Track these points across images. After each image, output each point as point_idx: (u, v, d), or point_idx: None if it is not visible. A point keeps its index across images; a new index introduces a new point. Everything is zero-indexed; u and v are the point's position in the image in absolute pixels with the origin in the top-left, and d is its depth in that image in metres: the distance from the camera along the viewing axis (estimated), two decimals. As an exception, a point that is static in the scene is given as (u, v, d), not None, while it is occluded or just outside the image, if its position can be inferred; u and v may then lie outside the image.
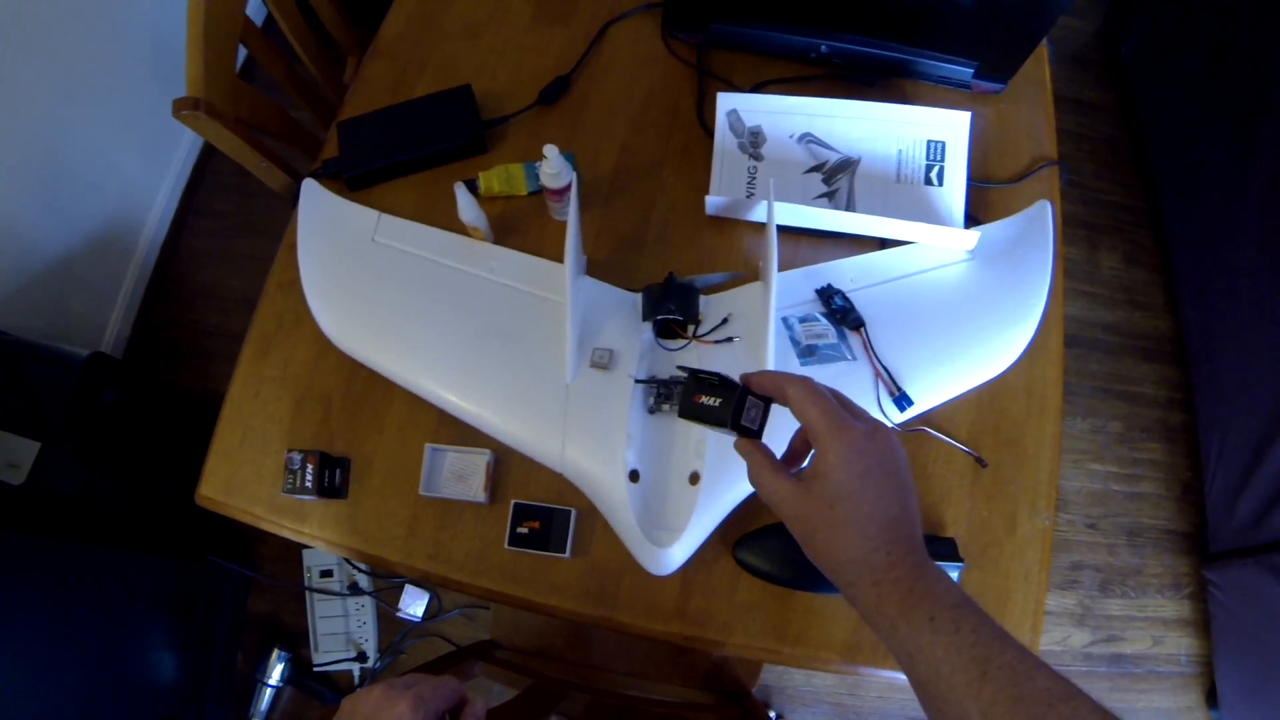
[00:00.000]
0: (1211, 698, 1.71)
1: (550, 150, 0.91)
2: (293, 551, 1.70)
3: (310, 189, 1.05)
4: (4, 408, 1.31)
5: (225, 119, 1.07)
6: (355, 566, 1.67)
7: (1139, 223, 2.05)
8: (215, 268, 1.98)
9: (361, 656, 1.65)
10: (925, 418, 0.95)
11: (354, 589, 1.66)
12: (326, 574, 1.66)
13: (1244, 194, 1.67)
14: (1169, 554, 1.80)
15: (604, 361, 0.90)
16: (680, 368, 0.64)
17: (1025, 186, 1.08)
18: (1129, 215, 2.05)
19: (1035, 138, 1.12)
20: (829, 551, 0.54)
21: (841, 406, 0.57)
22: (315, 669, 1.65)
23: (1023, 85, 1.13)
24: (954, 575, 0.86)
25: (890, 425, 0.92)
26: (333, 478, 0.92)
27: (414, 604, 1.66)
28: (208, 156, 2.06)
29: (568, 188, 0.95)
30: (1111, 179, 2.09)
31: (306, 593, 1.66)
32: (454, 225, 1.01)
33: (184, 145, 2.02)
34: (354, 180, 1.06)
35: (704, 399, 0.61)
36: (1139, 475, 1.85)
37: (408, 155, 1.05)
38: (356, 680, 1.67)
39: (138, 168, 1.89)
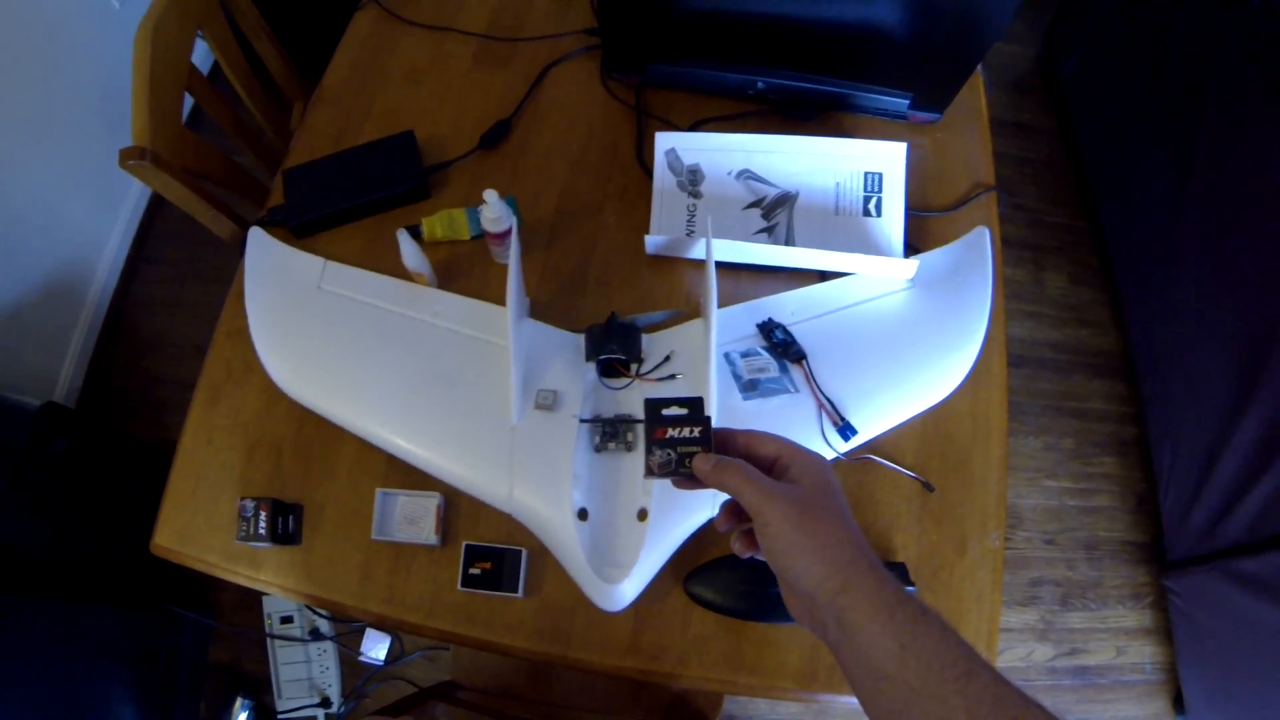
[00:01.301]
0: (1178, 703, 1.73)
1: (490, 195, 0.92)
2: (252, 598, 1.68)
3: (256, 237, 1.05)
4: (-48, 462, 1.29)
5: (172, 168, 1.08)
6: (315, 612, 1.65)
7: (1082, 242, 2.10)
8: (167, 315, 1.97)
9: (325, 702, 1.63)
10: (871, 445, 0.96)
11: (315, 634, 1.63)
12: (287, 620, 1.64)
13: (1183, 211, 1.72)
14: (1127, 565, 1.83)
15: (548, 403, 0.91)
16: (648, 400, 0.62)
17: (964, 213, 1.11)
18: (1072, 235, 2.10)
19: (972, 165, 1.15)
20: (800, 572, 0.53)
21: (759, 457, 0.58)
22: (279, 717, 1.62)
23: (959, 113, 1.16)
24: None
25: (836, 455, 0.94)
26: (286, 524, 0.92)
27: (376, 647, 1.65)
28: (157, 204, 2.05)
29: (508, 232, 0.96)
30: (1054, 200, 2.14)
31: (268, 639, 1.64)
32: (399, 271, 1.01)
33: (133, 193, 2.01)
34: (300, 228, 1.07)
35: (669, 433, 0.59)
36: (1094, 489, 1.88)
37: (352, 202, 1.06)
38: (319, 727, 1.64)
39: (87, 215, 1.88)
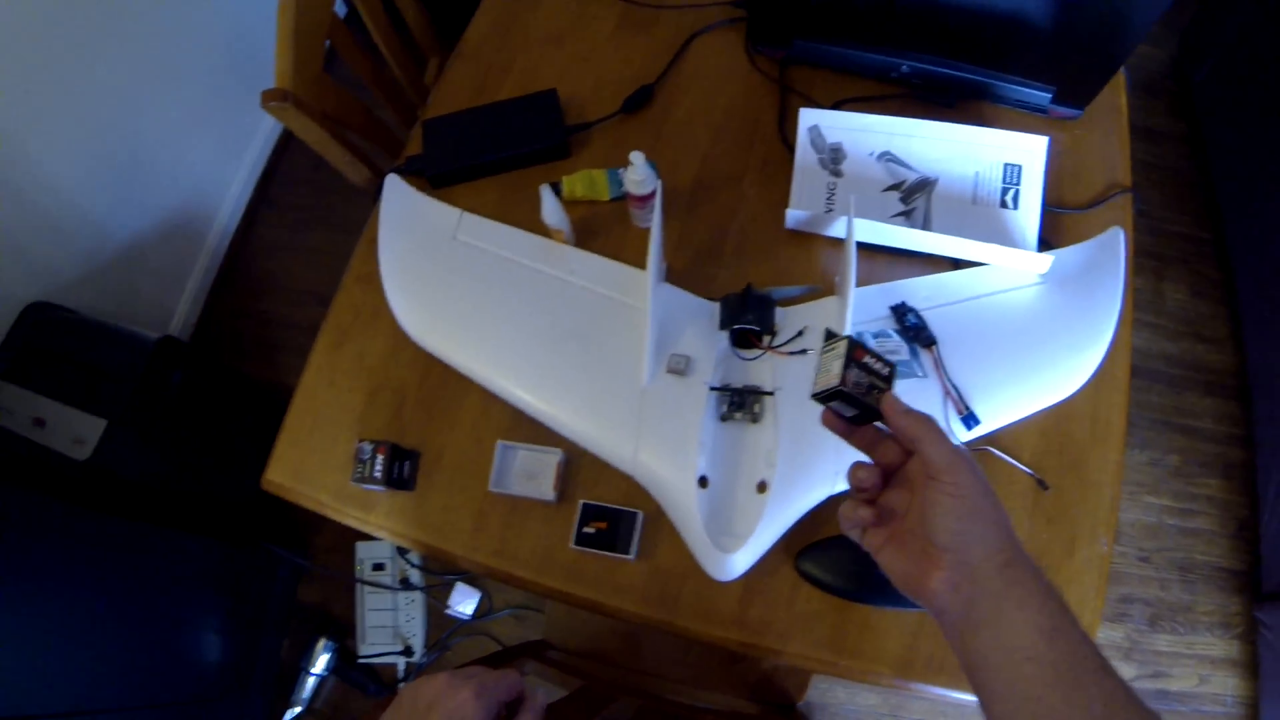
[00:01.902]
0: (1259, 742, 1.67)
1: (637, 157, 0.93)
2: (347, 543, 1.73)
3: (393, 184, 1.07)
4: (73, 384, 1.35)
5: (312, 112, 1.10)
6: (409, 561, 1.69)
7: (1205, 255, 2.02)
8: (285, 260, 2.03)
9: (408, 651, 1.67)
10: (991, 438, 0.95)
11: (405, 584, 1.68)
12: (379, 567, 1.69)
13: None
14: (1220, 592, 1.77)
15: (680, 367, 0.92)
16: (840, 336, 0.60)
17: (1098, 213, 1.08)
18: (1195, 247, 2.02)
19: (1109, 165, 1.12)
20: (976, 539, 0.53)
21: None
22: (360, 660, 1.68)
23: (1099, 111, 1.12)
24: None
25: (957, 444, 0.92)
26: (402, 469, 0.94)
27: (464, 602, 1.68)
28: (282, 149, 2.11)
29: (652, 195, 0.96)
30: (1179, 209, 2.06)
31: (357, 585, 1.69)
32: (535, 227, 1.03)
33: (259, 137, 2.07)
34: (437, 178, 1.09)
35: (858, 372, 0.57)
36: (1194, 510, 1.82)
37: (492, 156, 1.08)
38: (401, 674, 1.69)
39: (212, 157, 1.94)
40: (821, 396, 0.59)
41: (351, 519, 0.96)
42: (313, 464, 0.98)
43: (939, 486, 0.53)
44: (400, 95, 1.42)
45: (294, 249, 2.04)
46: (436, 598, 1.71)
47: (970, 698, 0.88)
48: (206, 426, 1.55)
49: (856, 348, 0.58)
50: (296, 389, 1.02)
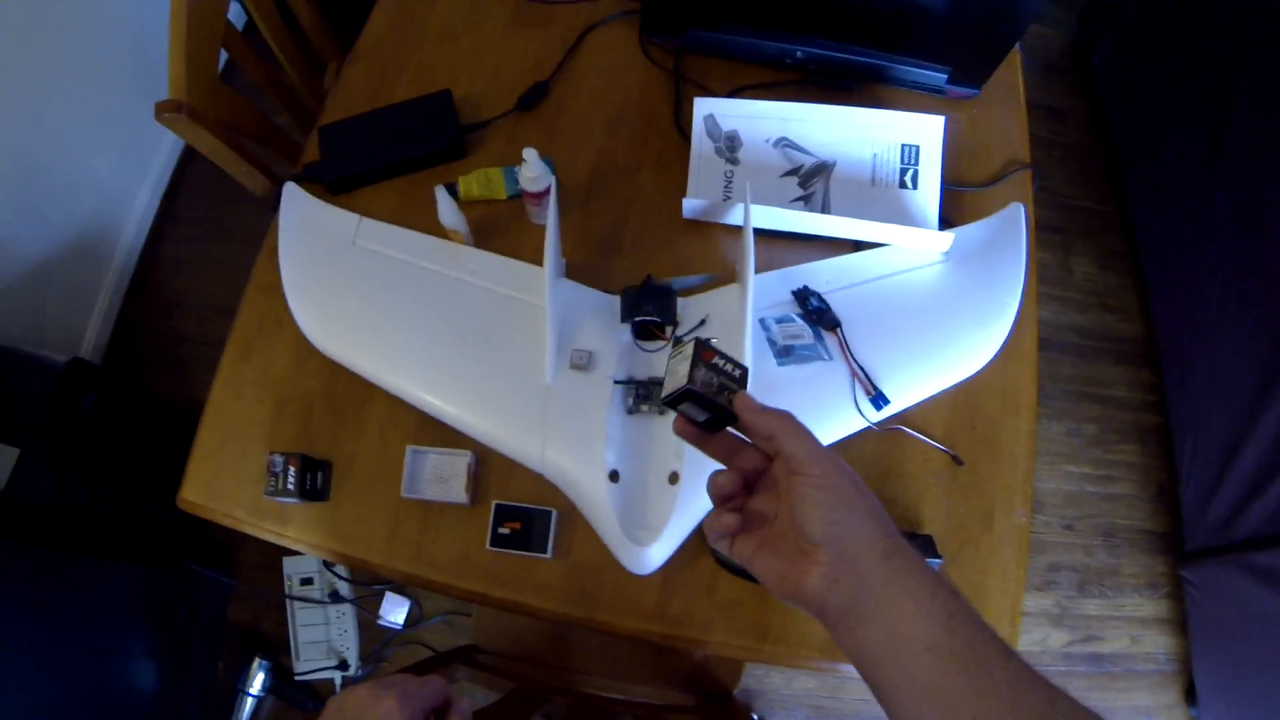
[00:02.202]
0: (1190, 695, 1.73)
1: (530, 154, 0.92)
2: (273, 560, 1.69)
3: (291, 193, 1.05)
4: (-20, 414, 1.30)
5: (206, 122, 1.07)
6: (336, 574, 1.66)
7: (1110, 228, 2.08)
8: (193, 274, 1.97)
9: (343, 665, 1.64)
10: (902, 417, 0.96)
11: (335, 597, 1.65)
12: (307, 582, 1.65)
13: (1213, 200, 1.70)
14: (1145, 554, 1.82)
15: (583, 363, 0.91)
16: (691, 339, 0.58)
17: (998, 190, 1.10)
18: (1100, 220, 2.07)
19: (1008, 142, 1.14)
20: (852, 530, 0.51)
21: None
22: (296, 678, 1.64)
23: (996, 90, 1.15)
24: None
25: (869, 424, 0.93)
26: (314, 480, 0.92)
27: (395, 611, 1.65)
28: (187, 162, 2.05)
29: (546, 191, 0.96)
30: (1083, 185, 2.12)
31: (287, 601, 1.65)
32: (434, 229, 1.01)
33: (163, 150, 2.01)
34: (335, 184, 1.07)
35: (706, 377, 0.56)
36: (1114, 477, 1.87)
37: (388, 159, 1.06)
38: (338, 689, 1.65)
39: (116, 172, 1.88)
40: (670, 399, 0.56)
41: (268, 534, 0.94)
42: (226, 480, 0.95)
43: (805, 480, 0.51)
44: (299, 101, 1.39)
45: (202, 263, 1.98)
46: (368, 609, 1.67)
47: (848, 668, 0.88)
48: (122, 449, 1.50)
49: (704, 349, 0.56)
50: (206, 404, 0.99)
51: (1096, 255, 2.05)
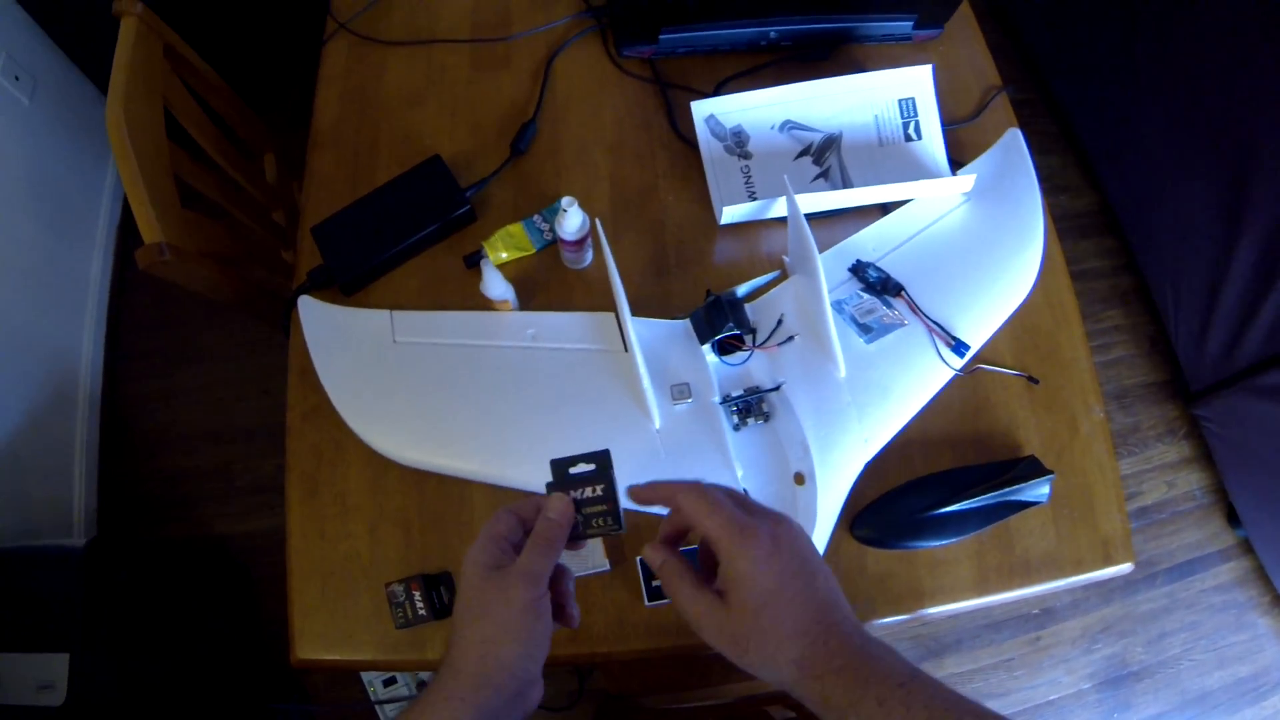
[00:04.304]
0: (1232, 518, 1.85)
1: (569, 201, 0.89)
2: (346, 672, 1.62)
3: (308, 306, 0.99)
4: (15, 627, 1.19)
5: (193, 258, 1.00)
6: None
7: (1037, 114, 2.15)
8: (163, 409, 1.85)
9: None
10: (978, 357, 0.98)
11: (421, 687, 1.59)
12: (390, 682, 1.59)
13: (1135, 59, 1.78)
14: (1156, 405, 1.93)
15: (683, 395, 0.89)
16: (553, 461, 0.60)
17: (986, 117, 1.14)
18: (1026, 109, 2.14)
19: (978, 70, 1.18)
20: (765, 660, 0.50)
21: (738, 506, 0.54)
22: (403, 770, 1.58)
23: (953, 24, 1.17)
24: (1045, 488, 0.90)
25: (956, 372, 0.95)
26: (440, 596, 0.87)
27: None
28: (117, 295, 1.92)
29: (586, 237, 0.93)
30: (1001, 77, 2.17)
31: (376, 708, 1.58)
32: (467, 303, 0.98)
33: (91, 290, 1.87)
34: (348, 285, 1.00)
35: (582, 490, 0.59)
36: (1109, 343, 1.97)
37: (400, 245, 1.00)
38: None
39: (53, 328, 1.74)
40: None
41: (410, 665, 0.89)
42: (341, 626, 0.88)
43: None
44: (249, 201, 1.30)
45: (168, 395, 1.86)
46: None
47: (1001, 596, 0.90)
48: (169, 613, 1.40)
49: (555, 491, 0.58)
50: (288, 555, 0.92)
51: (1034, 142, 2.07)
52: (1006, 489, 0.88)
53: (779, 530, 0.52)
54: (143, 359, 1.89)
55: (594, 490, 0.58)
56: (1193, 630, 1.80)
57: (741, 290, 0.97)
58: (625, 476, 0.87)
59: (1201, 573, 1.84)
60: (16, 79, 1.64)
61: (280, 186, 1.39)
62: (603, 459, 0.59)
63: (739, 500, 0.55)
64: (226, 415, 1.81)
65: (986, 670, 1.73)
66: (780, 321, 0.94)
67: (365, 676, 1.60)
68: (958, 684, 1.52)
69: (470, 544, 0.76)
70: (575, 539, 0.58)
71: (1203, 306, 1.73)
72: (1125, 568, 0.93)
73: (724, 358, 0.94)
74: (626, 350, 0.93)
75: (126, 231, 1.97)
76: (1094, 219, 2.07)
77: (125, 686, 1.24)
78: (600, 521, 0.58)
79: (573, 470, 0.59)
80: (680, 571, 0.55)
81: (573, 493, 0.58)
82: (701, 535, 0.54)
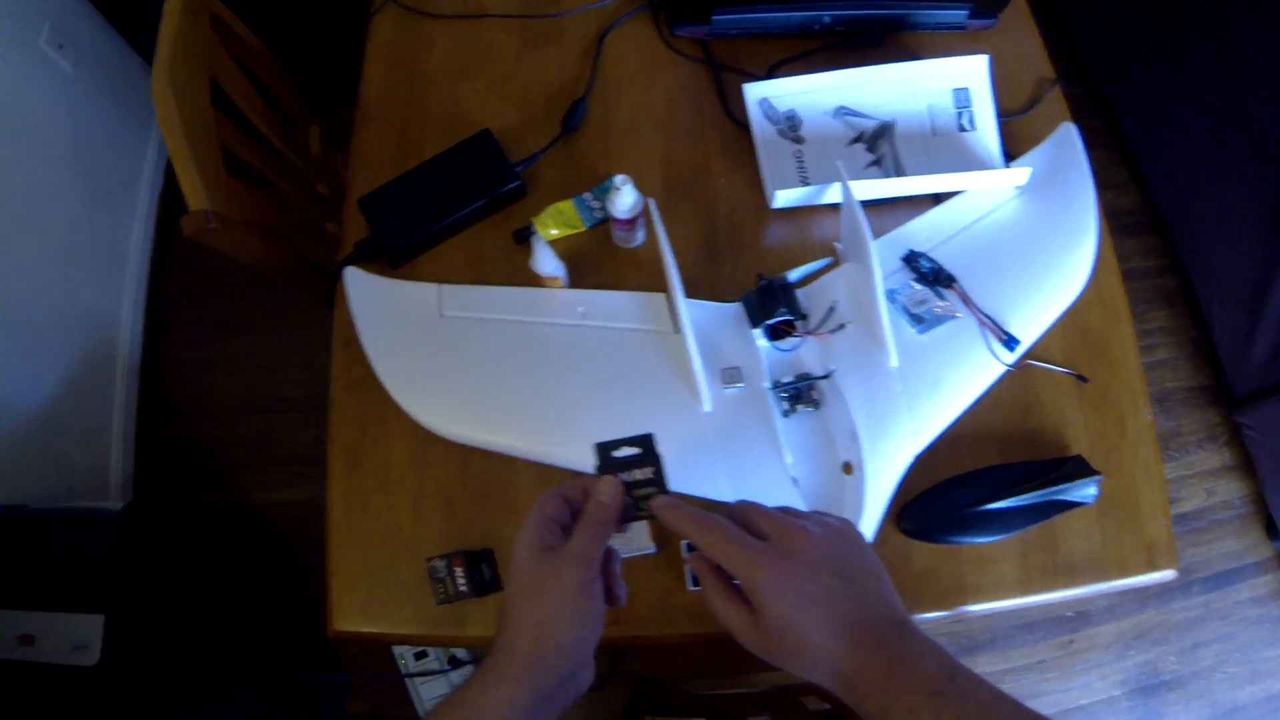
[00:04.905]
0: (1270, 529, 1.82)
1: (623, 179, 0.88)
2: (381, 644, 1.63)
3: (354, 278, 0.98)
4: (51, 586, 1.20)
5: (239, 227, 1.00)
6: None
7: (1084, 108, 2.10)
8: (203, 377, 1.87)
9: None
10: (1028, 353, 0.96)
11: (454, 662, 1.59)
12: (421, 655, 1.59)
13: (1183, 55, 1.74)
14: (1198, 410, 1.90)
15: (735, 380, 0.88)
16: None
17: (1039, 111, 1.11)
18: (1072, 104, 2.06)
19: (1032, 63, 1.15)
20: (801, 669, 0.52)
21: (749, 527, 0.56)
22: (434, 747, 1.58)
23: (1008, 14, 1.15)
24: (1093, 489, 0.88)
25: (1006, 367, 0.93)
26: (482, 573, 0.87)
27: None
28: (159, 264, 1.94)
29: (639, 216, 0.92)
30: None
31: (407, 681, 1.59)
32: (516, 279, 0.97)
33: (133, 258, 1.88)
34: (395, 257, 1.00)
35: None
36: (1151, 345, 1.93)
37: (449, 217, 1.00)
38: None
39: (94, 294, 1.76)
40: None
41: (449, 640, 0.90)
42: (380, 600, 0.88)
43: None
44: (294, 173, 1.30)
45: (207, 364, 1.88)
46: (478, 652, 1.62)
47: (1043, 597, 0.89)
48: (204, 579, 1.41)
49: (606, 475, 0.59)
50: (328, 529, 0.91)
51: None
52: (1054, 488, 0.87)
53: (797, 548, 0.53)
54: (183, 327, 1.91)
55: (643, 473, 0.58)
56: (1227, 642, 1.77)
57: (793, 275, 0.95)
58: (673, 460, 0.86)
59: (1238, 584, 1.81)
60: (60, 47, 1.65)
61: (324, 159, 1.39)
62: (647, 442, 0.60)
63: (765, 518, 0.56)
64: (265, 385, 1.83)
65: (1019, 671, 1.71)
66: (832, 308, 0.93)
67: (397, 650, 1.60)
68: (987, 683, 1.52)
69: (515, 522, 0.76)
70: (624, 520, 0.58)
71: (1248, 311, 1.69)
72: (1168, 574, 0.91)
73: (775, 343, 0.93)
74: (677, 332, 0.92)
75: (168, 200, 1.98)
76: (1138, 217, 2.03)
77: (158, 650, 1.26)
78: (644, 506, 0.58)
79: (617, 454, 0.59)
80: (717, 586, 0.56)
81: (622, 475, 0.58)
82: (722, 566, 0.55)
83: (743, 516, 0.57)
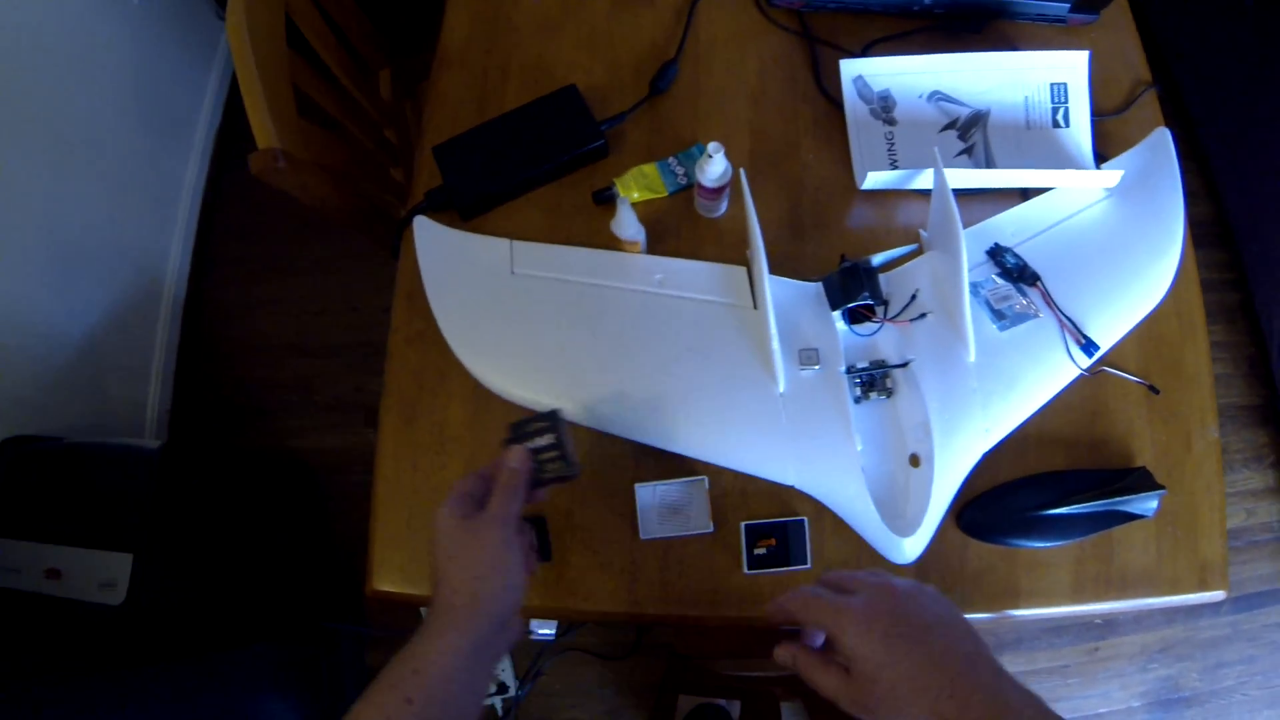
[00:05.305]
0: (1307, 556, 1.79)
1: (715, 147, 0.86)
2: (418, 606, 1.63)
3: (424, 227, 0.96)
4: (81, 522, 1.20)
5: (308, 168, 0.98)
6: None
7: (1164, 113, 2.04)
8: (247, 318, 1.86)
9: (502, 688, 1.59)
10: (1104, 359, 0.94)
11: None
12: (445, 614, 1.60)
13: (1269, 69, 1.69)
14: (1247, 429, 1.87)
15: (812, 361, 0.87)
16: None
17: (1131, 114, 1.07)
18: (1151, 104, 2.05)
19: (1130, 64, 1.11)
20: (899, 718, 0.53)
21: (835, 588, 0.60)
22: (454, 712, 1.59)
23: (1109, 12, 1.11)
24: (1154, 502, 0.87)
25: (1081, 371, 0.91)
26: (533, 542, 0.85)
27: (544, 623, 1.61)
28: (212, 203, 1.93)
29: (727, 185, 0.90)
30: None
31: (427, 637, 1.60)
32: (593, 240, 0.95)
33: (186, 195, 1.88)
34: (467, 209, 0.98)
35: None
36: (1206, 359, 1.90)
37: (528, 172, 0.98)
38: (501, 713, 1.62)
39: (143, 229, 1.75)
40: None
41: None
42: (423, 561, 0.87)
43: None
44: (363, 116, 1.29)
45: (252, 305, 1.87)
46: (514, 625, 1.63)
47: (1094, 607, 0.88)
48: (236, 522, 1.41)
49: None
50: (375, 482, 0.90)
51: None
52: (1116, 498, 0.86)
53: (875, 598, 0.56)
54: (230, 266, 1.90)
55: (545, 440, 0.68)
56: (1250, 664, 1.76)
57: (876, 260, 0.93)
58: (746, 441, 0.86)
59: (1268, 607, 1.79)
60: (126, -22, 1.64)
61: (394, 105, 1.37)
62: (552, 415, 0.70)
63: (842, 581, 0.61)
64: (311, 330, 1.82)
65: (1042, 674, 1.71)
66: (914, 297, 0.91)
67: (424, 610, 1.60)
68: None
69: (570, 491, 0.85)
70: (537, 485, 0.69)
71: (1311, 336, 1.66)
72: (1218, 595, 0.90)
73: (853, 327, 0.91)
74: (756, 307, 0.90)
75: (225, 138, 1.97)
76: (1208, 229, 1.98)
77: (184, 592, 1.26)
78: (554, 465, 0.68)
79: (525, 428, 0.70)
80: (807, 659, 0.59)
81: (527, 444, 0.68)
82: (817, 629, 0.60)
83: (834, 580, 0.61)
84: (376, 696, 0.57)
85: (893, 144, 1.00)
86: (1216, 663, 1.75)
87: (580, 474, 0.71)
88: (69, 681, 1.12)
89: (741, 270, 0.93)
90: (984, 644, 0.56)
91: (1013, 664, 1.71)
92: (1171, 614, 1.76)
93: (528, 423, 0.70)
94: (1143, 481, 0.88)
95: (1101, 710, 1.70)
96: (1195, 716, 1.72)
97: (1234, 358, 1.91)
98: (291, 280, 1.85)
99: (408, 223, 0.97)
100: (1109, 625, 1.74)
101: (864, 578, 0.59)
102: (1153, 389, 0.94)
